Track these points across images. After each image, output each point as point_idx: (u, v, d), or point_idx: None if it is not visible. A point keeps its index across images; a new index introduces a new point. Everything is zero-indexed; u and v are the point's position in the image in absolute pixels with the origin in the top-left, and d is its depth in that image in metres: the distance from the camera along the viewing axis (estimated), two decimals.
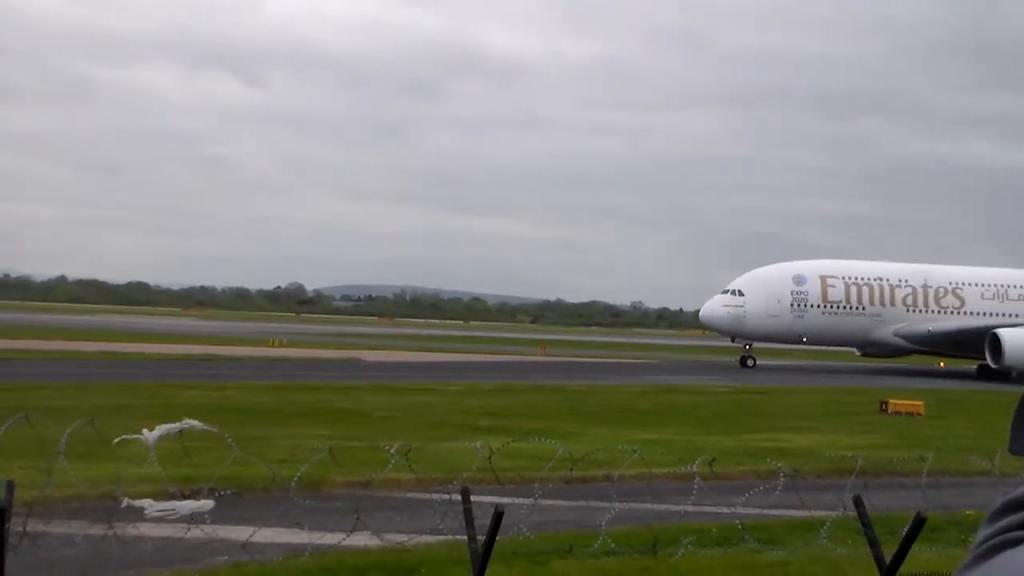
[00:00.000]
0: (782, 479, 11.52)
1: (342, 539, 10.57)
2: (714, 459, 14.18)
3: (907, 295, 68.51)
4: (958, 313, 69.00)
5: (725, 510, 13.02)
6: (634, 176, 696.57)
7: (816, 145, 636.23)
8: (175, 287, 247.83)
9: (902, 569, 8.51)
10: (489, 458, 11.24)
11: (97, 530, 10.56)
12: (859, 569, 10.42)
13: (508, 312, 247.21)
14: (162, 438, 10.04)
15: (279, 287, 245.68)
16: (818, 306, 66.17)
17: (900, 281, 68.83)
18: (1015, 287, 71.22)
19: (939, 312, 68.84)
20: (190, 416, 10.71)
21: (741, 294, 65.36)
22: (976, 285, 70.42)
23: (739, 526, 11.75)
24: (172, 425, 10.32)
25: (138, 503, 10.08)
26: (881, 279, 68.52)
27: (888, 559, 8.50)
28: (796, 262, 68.67)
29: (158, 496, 10.94)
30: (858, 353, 73.04)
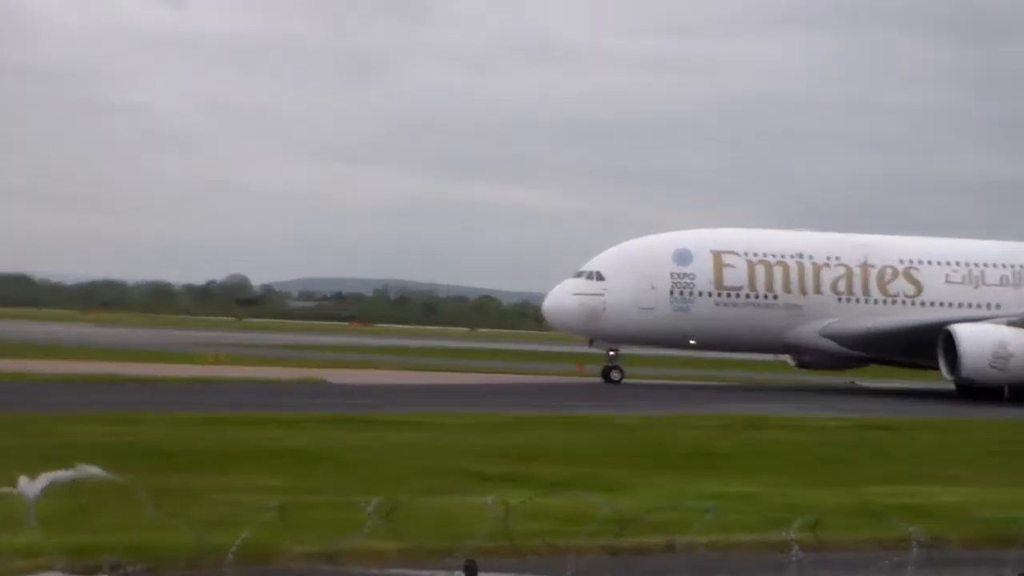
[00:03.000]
0: (916, 549, 11.38)
1: None
2: (818, 521, 14.07)
3: (838, 278, 67.10)
4: (912, 303, 67.38)
5: None
6: (694, 127, 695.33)
7: (949, 82, 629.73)
8: (69, 281, 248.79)
9: None
10: (505, 519, 11.13)
11: None
12: None
13: (530, 315, 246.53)
14: (47, 491, 9.98)
15: (213, 281, 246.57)
16: (710, 294, 65.18)
17: (829, 259, 67.32)
18: (995, 266, 69.28)
19: (885, 302, 67.32)
20: (87, 460, 10.63)
21: (601, 278, 64.42)
22: (939, 264, 68.63)
23: None
24: (62, 473, 10.28)
25: None
26: (802, 255, 67.04)
27: None
28: (677, 233, 68.22)
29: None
30: (792, 363, 72.19)
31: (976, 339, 59.36)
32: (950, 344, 59.52)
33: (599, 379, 64.06)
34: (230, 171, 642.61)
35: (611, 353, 64.64)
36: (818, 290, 66.54)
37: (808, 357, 69.53)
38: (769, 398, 57.74)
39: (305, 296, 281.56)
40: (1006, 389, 60.85)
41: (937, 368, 61.69)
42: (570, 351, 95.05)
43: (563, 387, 62.20)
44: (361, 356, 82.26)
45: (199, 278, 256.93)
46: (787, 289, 66.12)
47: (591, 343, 66.25)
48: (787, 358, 72.13)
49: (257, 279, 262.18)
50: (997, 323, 61.69)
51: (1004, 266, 69.03)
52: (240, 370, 59.08)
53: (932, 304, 67.15)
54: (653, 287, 64.23)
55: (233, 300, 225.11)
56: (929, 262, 68.59)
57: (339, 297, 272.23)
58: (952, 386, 62.68)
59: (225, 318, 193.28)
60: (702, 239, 66.80)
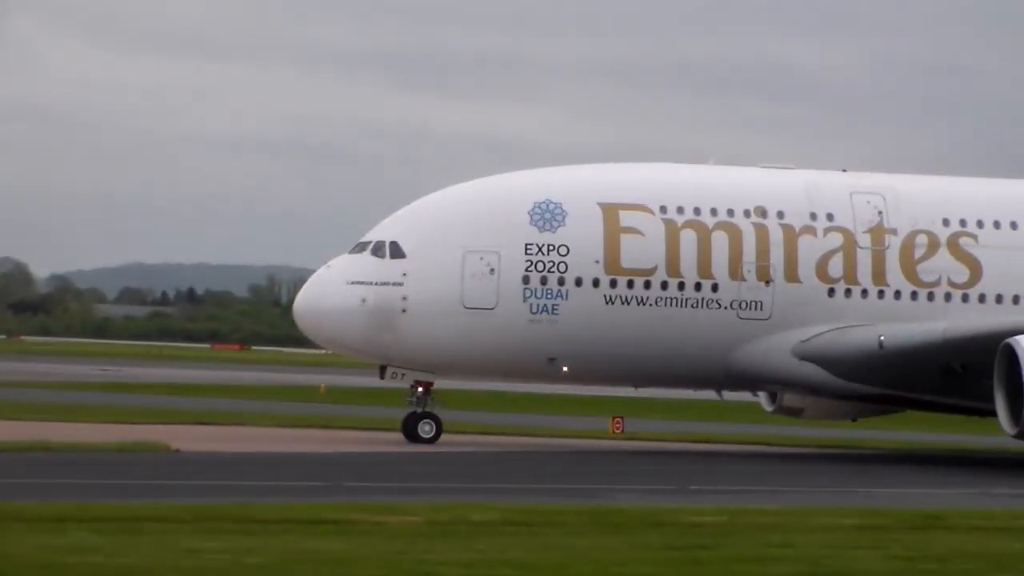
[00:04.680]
0: None
1: None
2: None
3: (831, 251, 46.98)
4: (963, 298, 47.69)
5: None
6: None
7: None
8: None
9: None
10: None
11: None
12: None
13: None
14: None
15: None
16: (596, 281, 45.85)
17: (814, 217, 47.74)
18: None
19: (915, 295, 47.27)
20: None
21: (398, 253, 45.61)
22: (1011, 227, 48.66)
23: None
24: None
25: None
26: (764, 212, 47.47)
27: None
28: (539, 171, 49.69)
29: None
30: (768, 408, 52.15)
31: None
32: (1012, 368, 42.38)
33: (401, 438, 46.84)
34: None
35: (419, 390, 46.25)
36: (792, 274, 46.85)
37: (790, 396, 50.53)
38: (982, 474, 44.81)
39: (128, 296, 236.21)
40: None
41: (978, 410, 46.06)
42: (591, 395, 79.25)
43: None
44: (232, 404, 67.48)
45: None
46: (737, 272, 46.59)
47: (383, 373, 47.23)
48: (760, 399, 52.41)
49: (43, 268, 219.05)
50: None
51: None
52: (14, 428, 45.44)
53: (999, 299, 47.86)
54: (492, 269, 45.04)
55: (2, 303, 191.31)
56: (995, 224, 48.57)
57: (190, 296, 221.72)
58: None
59: None
60: (582, 183, 47.97)
